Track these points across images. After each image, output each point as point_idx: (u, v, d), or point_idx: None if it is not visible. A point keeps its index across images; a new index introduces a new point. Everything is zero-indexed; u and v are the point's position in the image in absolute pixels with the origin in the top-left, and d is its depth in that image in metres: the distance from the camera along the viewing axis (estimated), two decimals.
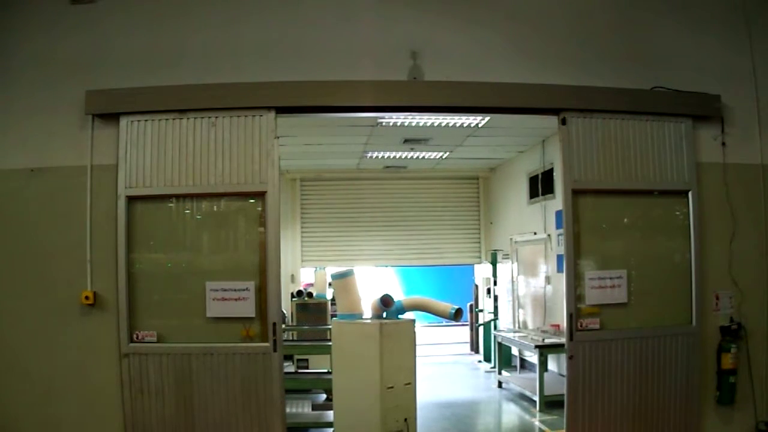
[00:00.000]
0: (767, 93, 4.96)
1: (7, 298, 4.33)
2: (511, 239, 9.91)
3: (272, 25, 4.63)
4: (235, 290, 4.37)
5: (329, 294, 9.71)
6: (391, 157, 9.75)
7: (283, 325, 7.44)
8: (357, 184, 11.18)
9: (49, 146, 4.42)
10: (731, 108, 4.88)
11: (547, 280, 8.64)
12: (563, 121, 4.66)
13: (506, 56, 4.76)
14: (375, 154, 9.54)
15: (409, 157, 9.78)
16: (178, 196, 4.42)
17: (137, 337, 4.30)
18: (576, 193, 4.63)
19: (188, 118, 4.43)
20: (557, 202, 7.84)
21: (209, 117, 4.43)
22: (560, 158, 4.69)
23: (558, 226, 7.89)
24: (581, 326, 4.56)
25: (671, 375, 4.63)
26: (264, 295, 4.36)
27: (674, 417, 4.62)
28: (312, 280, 10.87)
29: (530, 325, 9.17)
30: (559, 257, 7.52)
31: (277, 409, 4.33)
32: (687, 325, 4.69)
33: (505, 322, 10.02)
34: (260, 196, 4.42)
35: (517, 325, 9.56)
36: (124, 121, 4.40)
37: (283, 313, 8.25)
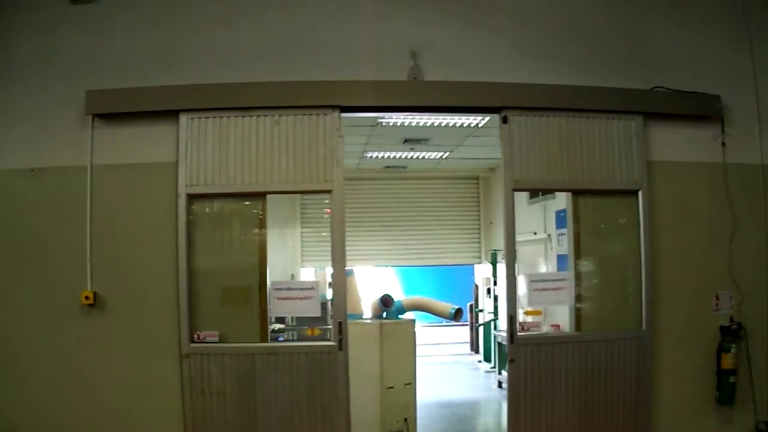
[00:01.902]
0: (767, 93, 4.95)
1: (8, 299, 4.32)
2: None
3: (272, 25, 4.62)
4: (300, 289, 4.39)
5: (329, 294, 9.70)
6: (391, 157, 9.74)
7: (283, 325, 7.43)
8: (357, 184, 11.17)
9: (51, 146, 4.41)
10: (731, 108, 4.86)
11: None
12: (504, 120, 4.59)
13: (504, 55, 4.75)
14: (375, 154, 9.53)
15: (409, 157, 9.77)
16: (241, 195, 4.42)
17: (198, 338, 4.29)
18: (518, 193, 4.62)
19: (251, 116, 4.43)
20: (557, 202, 7.84)
21: (273, 115, 4.43)
22: (502, 157, 4.61)
23: (558, 226, 7.88)
24: (523, 328, 4.49)
25: (620, 381, 4.53)
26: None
27: (623, 425, 4.52)
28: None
29: None
30: (560, 257, 7.52)
31: (343, 408, 4.30)
32: (637, 329, 4.61)
33: (505, 322, 10.00)
34: (326, 193, 4.47)
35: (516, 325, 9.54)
36: (183, 118, 4.39)
37: None
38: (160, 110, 4.39)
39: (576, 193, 4.73)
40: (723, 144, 4.83)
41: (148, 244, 4.37)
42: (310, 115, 4.46)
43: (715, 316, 4.73)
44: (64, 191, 4.37)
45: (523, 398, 4.44)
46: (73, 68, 4.47)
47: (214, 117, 4.41)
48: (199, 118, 4.40)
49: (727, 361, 4.62)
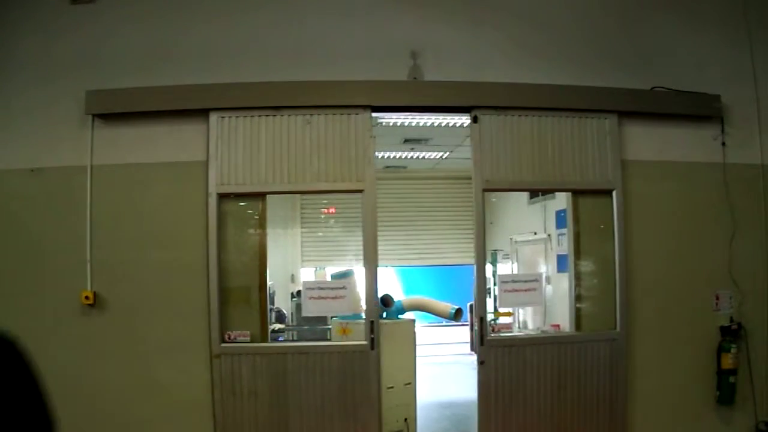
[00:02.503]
0: (767, 93, 4.94)
1: (8, 299, 4.31)
2: (511, 239, 9.90)
3: (271, 25, 4.62)
4: (332, 289, 4.40)
5: None
6: (391, 157, 9.74)
7: (283, 325, 7.44)
8: None
9: (51, 146, 4.41)
10: (731, 108, 4.86)
11: (548, 280, 8.63)
12: (475, 119, 4.55)
13: (505, 56, 4.74)
14: (375, 154, 9.53)
15: (409, 157, 9.77)
16: (271, 194, 4.45)
17: (229, 338, 4.29)
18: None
19: (282, 116, 4.42)
20: (557, 202, 7.84)
21: (304, 115, 4.42)
22: (472, 158, 4.56)
23: (558, 226, 7.89)
24: (494, 330, 4.46)
25: (594, 383, 4.47)
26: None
27: (598, 428, 4.47)
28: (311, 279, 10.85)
29: (530, 325, 9.16)
30: (560, 257, 7.52)
31: (374, 407, 4.30)
32: (610, 331, 4.58)
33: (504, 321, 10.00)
34: (358, 193, 4.45)
35: (517, 325, 9.56)
36: (213, 117, 4.37)
37: (283, 313, 8.25)
38: (190, 109, 4.37)
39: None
40: (723, 144, 4.83)
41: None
42: (341, 114, 4.46)
43: (715, 316, 4.73)
44: (64, 191, 4.37)
45: (494, 401, 4.39)
46: (73, 68, 4.47)
47: (245, 116, 4.40)
48: (230, 117, 4.39)
49: (727, 361, 4.62)
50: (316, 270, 10.67)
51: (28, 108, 4.45)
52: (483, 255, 4.55)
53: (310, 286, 4.45)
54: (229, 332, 4.28)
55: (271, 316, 6.71)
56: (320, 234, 11.08)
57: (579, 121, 4.64)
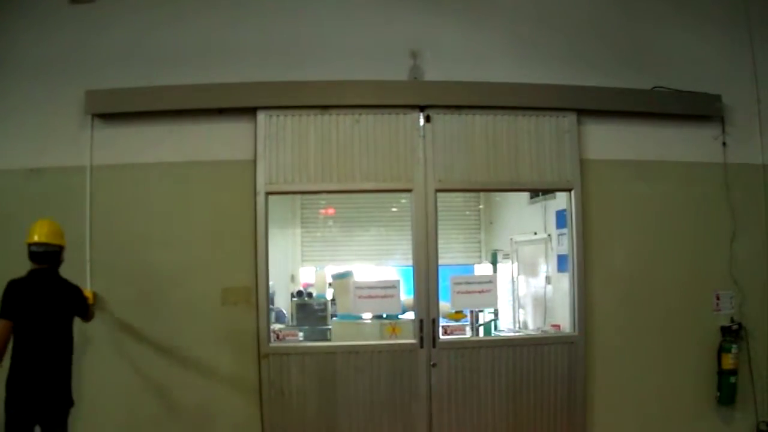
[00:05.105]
0: None
1: None
2: (511, 239, 9.88)
3: (270, 24, 4.62)
4: (381, 288, 4.38)
5: (329, 294, 9.69)
6: None
7: (283, 325, 7.43)
8: None
9: (51, 146, 4.42)
10: (732, 108, 4.86)
11: (548, 280, 8.62)
12: (428, 119, 4.50)
13: (505, 55, 4.75)
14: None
15: None
16: (319, 193, 4.44)
17: (278, 337, 4.26)
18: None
19: (330, 114, 4.39)
20: (558, 202, 7.83)
21: (353, 114, 4.39)
22: (423, 158, 4.49)
23: (558, 226, 7.87)
24: (447, 332, 4.42)
25: (551, 386, 4.42)
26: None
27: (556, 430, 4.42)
28: (312, 280, 10.84)
29: (531, 325, 9.13)
30: (560, 257, 7.50)
31: (423, 406, 4.30)
32: (567, 333, 4.55)
33: (505, 322, 9.99)
34: (407, 192, 4.48)
35: (517, 325, 9.54)
36: (261, 116, 4.35)
37: (283, 313, 8.24)
38: (237, 107, 4.36)
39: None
40: (723, 144, 4.82)
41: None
42: (390, 114, 4.43)
43: (716, 316, 4.74)
44: (63, 191, 4.37)
45: (447, 404, 4.35)
46: (72, 68, 4.47)
47: (293, 115, 4.38)
48: (278, 116, 4.36)
49: (728, 362, 4.63)
50: (316, 270, 10.66)
51: (27, 107, 4.45)
52: (436, 257, 4.52)
53: (359, 285, 4.48)
54: (279, 331, 4.24)
55: (271, 316, 6.70)
56: (318, 234, 11.05)
57: (537, 119, 4.57)
